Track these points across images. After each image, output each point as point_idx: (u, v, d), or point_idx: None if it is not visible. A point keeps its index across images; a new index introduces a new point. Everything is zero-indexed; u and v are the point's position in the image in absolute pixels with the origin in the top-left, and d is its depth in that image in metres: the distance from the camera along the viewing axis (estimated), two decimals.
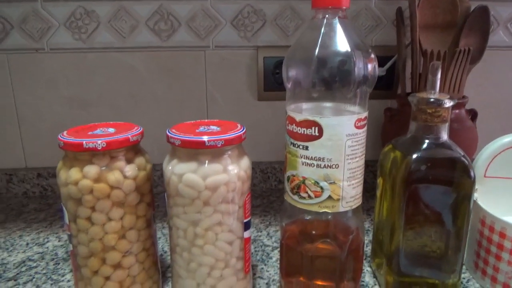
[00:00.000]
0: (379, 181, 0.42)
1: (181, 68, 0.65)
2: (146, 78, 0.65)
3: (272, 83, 0.66)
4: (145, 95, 0.66)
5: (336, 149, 0.34)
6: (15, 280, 0.43)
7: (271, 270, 0.45)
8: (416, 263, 0.39)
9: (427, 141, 0.37)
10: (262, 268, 0.45)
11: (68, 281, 0.43)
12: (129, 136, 0.33)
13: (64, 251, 0.49)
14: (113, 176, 0.32)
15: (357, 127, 0.34)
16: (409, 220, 0.37)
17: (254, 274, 0.43)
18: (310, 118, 0.34)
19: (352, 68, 0.33)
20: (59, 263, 0.47)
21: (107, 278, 0.34)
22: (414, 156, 0.36)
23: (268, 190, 0.69)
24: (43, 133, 0.66)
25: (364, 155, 0.36)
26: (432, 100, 0.36)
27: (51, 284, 0.43)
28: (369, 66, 0.34)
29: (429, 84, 0.37)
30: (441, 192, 0.37)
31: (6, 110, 0.65)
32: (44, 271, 0.45)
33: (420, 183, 0.37)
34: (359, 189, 0.36)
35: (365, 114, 0.35)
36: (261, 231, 0.54)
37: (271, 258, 0.47)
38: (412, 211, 0.37)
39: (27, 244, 0.51)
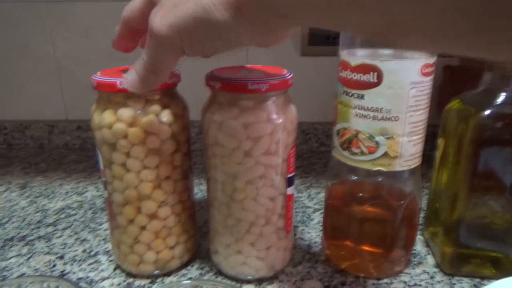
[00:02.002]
0: (440, 142, 0.37)
1: None
2: None
3: (318, 36, 0.61)
4: None
5: (397, 99, 0.29)
6: (54, 226, 0.44)
7: (313, 232, 0.42)
8: (478, 235, 0.35)
9: (504, 94, 0.32)
10: (303, 230, 0.42)
11: (105, 230, 0.43)
12: None
13: (102, 201, 0.49)
14: (149, 120, 0.30)
15: (424, 74, 0.29)
16: (474, 187, 0.33)
17: (294, 234, 0.41)
18: (369, 62, 0.29)
19: None
20: (97, 212, 0.47)
21: (143, 228, 0.33)
22: (488, 111, 0.31)
23: (309, 151, 0.66)
24: (82, 85, 0.65)
25: (428, 108, 0.31)
26: None
27: (89, 232, 0.42)
28: None
29: None
30: None
31: (46, 59, 0.65)
32: (83, 219, 0.45)
33: (493, 144, 0.32)
34: (420, 146, 0.32)
35: (434, 59, 0.30)
36: (301, 192, 0.51)
37: (312, 220, 0.44)
38: (480, 177, 0.32)
39: (67, 192, 0.52)
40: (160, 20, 0.22)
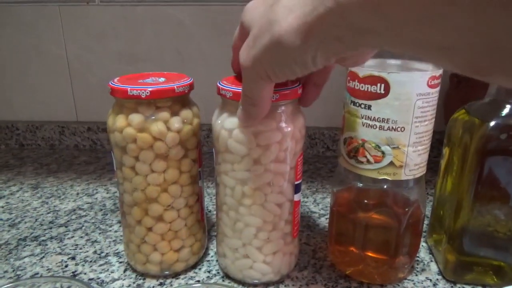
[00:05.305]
0: (445, 151, 0.37)
1: (231, 24, 0.62)
2: (193, 34, 0.63)
3: None
4: (192, 52, 0.64)
5: (403, 110, 0.30)
6: (66, 227, 0.45)
7: (318, 237, 0.43)
8: (481, 243, 0.35)
9: (509, 106, 0.32)
10: (309, 235, 0.43)
11: (115, 231, 0.44)
12: (175, 86, 0.31)
13: (112, 203, 0.50)
14: (156, 127, 0.31)
15: (430, 86, 0.30)
16: (478, 196, 0.33)
17: (299, 239, 0.42)
18: (376, 73, 0.30)
19: None
20: (107, 214, 0.48)
21: (149, 229, 0.34)
22: (493, 123, 0.32)
23: (315, 156, 0.66)
24: (93, 87, 0.66)
25: (434, 119, 0.32)
26: None
27: (99, 233, 0.43)
28: None
29: None
30: None
31: (58, 62, 0.66)
32: (93, 221, 0.46)
33: (497, 155, 0.32)
34: (425, 156, 0.33)
35: (440, 71, 0.31)
36: (307, 197, 0.52)
37: (317, 225, 0.45)
38: (483, 187, 0.33)
39: (78, 193, 0.53)
40: (245, 53, 0.24)
